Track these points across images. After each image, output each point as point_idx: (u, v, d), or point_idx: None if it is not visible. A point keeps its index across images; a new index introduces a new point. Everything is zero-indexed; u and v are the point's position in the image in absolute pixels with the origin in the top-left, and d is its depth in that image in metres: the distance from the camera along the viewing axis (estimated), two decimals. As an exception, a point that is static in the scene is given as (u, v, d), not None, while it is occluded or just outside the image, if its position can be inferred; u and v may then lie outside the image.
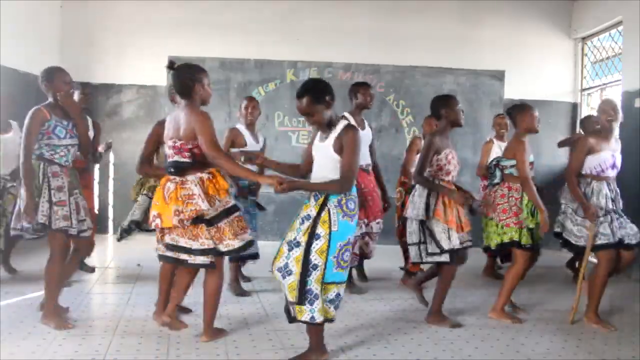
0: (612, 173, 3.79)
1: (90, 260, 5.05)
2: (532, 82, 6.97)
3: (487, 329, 3.63)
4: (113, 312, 3.73)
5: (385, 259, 5.29)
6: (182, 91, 3.06)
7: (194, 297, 4.06)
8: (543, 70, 7.05)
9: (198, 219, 2.99)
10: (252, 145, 4.38)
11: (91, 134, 4.66)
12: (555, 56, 7.10)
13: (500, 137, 5.33)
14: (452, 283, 3.69)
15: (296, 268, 2.82)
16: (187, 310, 3.75)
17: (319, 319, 2.84)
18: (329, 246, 2.81)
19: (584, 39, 7.05)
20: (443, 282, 3.69)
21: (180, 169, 3.04)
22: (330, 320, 2.95)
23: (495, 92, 6.92)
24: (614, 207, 3.76)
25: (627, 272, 4.10)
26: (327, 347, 3.09)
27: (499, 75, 6.92)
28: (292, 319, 2.95)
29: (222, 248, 3.07)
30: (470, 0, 6.94)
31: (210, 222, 3.03)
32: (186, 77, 3.04)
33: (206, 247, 3.02)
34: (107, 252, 5.84)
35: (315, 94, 2.87)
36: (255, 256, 4.33)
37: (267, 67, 6.72)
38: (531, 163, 3.81)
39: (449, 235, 3.55)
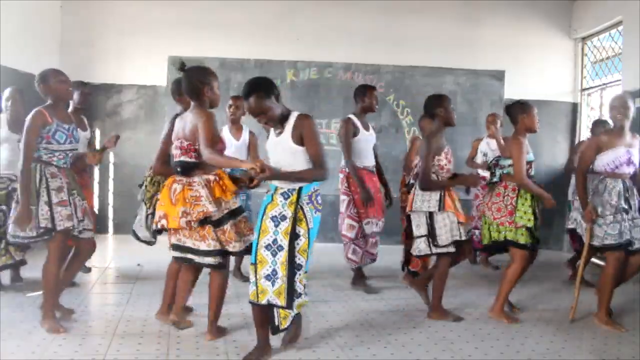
0: (627, 169, 3.67)
1: (88, 261, 5.06)
2: (532, 82, 6.97)
3: (487, 329, 3.63)
4: (113, 312, 3.73)
5: (386, 258, 5.29)
6: (190, 93, 3.08)
7: (198, 297, 4.07)
8: (543, 70, 7.05)
9: (204, 221, 3.02)
10: (231, 143, 4.55)
11: (88, 134, 4.61)
12: (555, 56, 7.10)
13: (491, 135, 5.47)
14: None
15: (281, 272, 2.80)
16: (189, 310, 3.77)
17: (275, 302, 2.84)
18: (309, 244, 2.85)
19: (584, 39, 7.05)
20: (440, 276, 3.76)
21: (186, 169, 3.08)
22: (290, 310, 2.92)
23: (495, 92, 6.92)
24: (629, 207, 3.66)
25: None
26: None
27: (499, 75, 6.92)
28: (275, 329, 2.94)
29: (229, 249, 3.10)
30: (470, 0, 6.95)
31: (217, 224, 3.05)
32: (195, 80, 3.06)
33: (212, 248, 3.06)
34: (107, 252, 5.84)
35: (264, 89, 2.79)
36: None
37: (267, 67, 6.72)
38: (530, 162, 3.79)
39: (458, 227, 3.66)
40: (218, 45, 6.63)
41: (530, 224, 3.69)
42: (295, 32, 6.76)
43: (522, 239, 3.71)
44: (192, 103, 3.12)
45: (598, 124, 5.20)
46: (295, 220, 2.81)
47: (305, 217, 2.84)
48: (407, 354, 3.15)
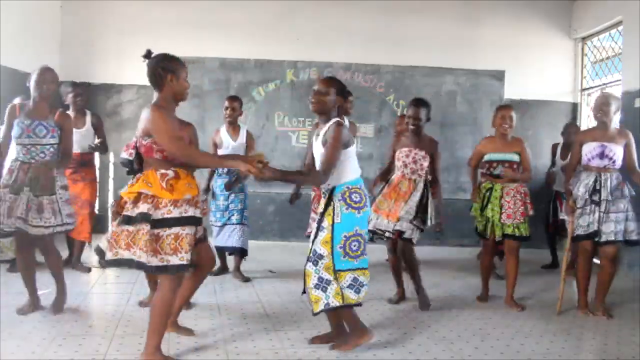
0: (601, 162, 3.87)
1: (88, 260, 5.06)
2: (532, 82, 6.97)
3: (487, 329, 3.63)
4: (113, 312, 3.73)
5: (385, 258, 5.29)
6: (153, 82, 2.78)
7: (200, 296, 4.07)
8: (543, 70, 7.04)
9: (143, 218, 2.63)
10: (228, 143, 4.64)
11: (89, 129, 4.74)
12: (555, 56, 7.10)
13: None
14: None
15: (329, 275, 2.95)
16: (189, 305, 3.79)
17: (334, 304, 2.94)
18: (332, 237, 2.93)
19: (584, 39, 7.04)
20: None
21: (127, 167, 2.91)
22: (357, 305, 3.01)
23: (495, 92, 6.91)
24: (598, 199, 3.82)
25: (618, 268, 4.14)
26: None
27: (499, 75, 6.91)
28: (314, 313, 3.01)
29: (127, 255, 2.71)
30: (470, 0, 6.94)
31: (154, 225, 2.63)
32: (158, 67, 2.76)
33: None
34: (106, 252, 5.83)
35: (337, 85, 3.04)
36: (241, 251, 4.74)
37: (267, 67, 6.72)
38: (492, 161, 4.08)
39: (378, 221, 4.01)
40: (218, 45, 6.62)
41: (475, 213, 4.17)
42: (295, 32, 6.75)
43: (480, 229, 4.23)
44: (154, 95, 2.79)
45: (566, 127, 5.62)
46: (323, 214, 3.00)
47: (333, 211, 2.95)
48: (407, 354, 3.15)
